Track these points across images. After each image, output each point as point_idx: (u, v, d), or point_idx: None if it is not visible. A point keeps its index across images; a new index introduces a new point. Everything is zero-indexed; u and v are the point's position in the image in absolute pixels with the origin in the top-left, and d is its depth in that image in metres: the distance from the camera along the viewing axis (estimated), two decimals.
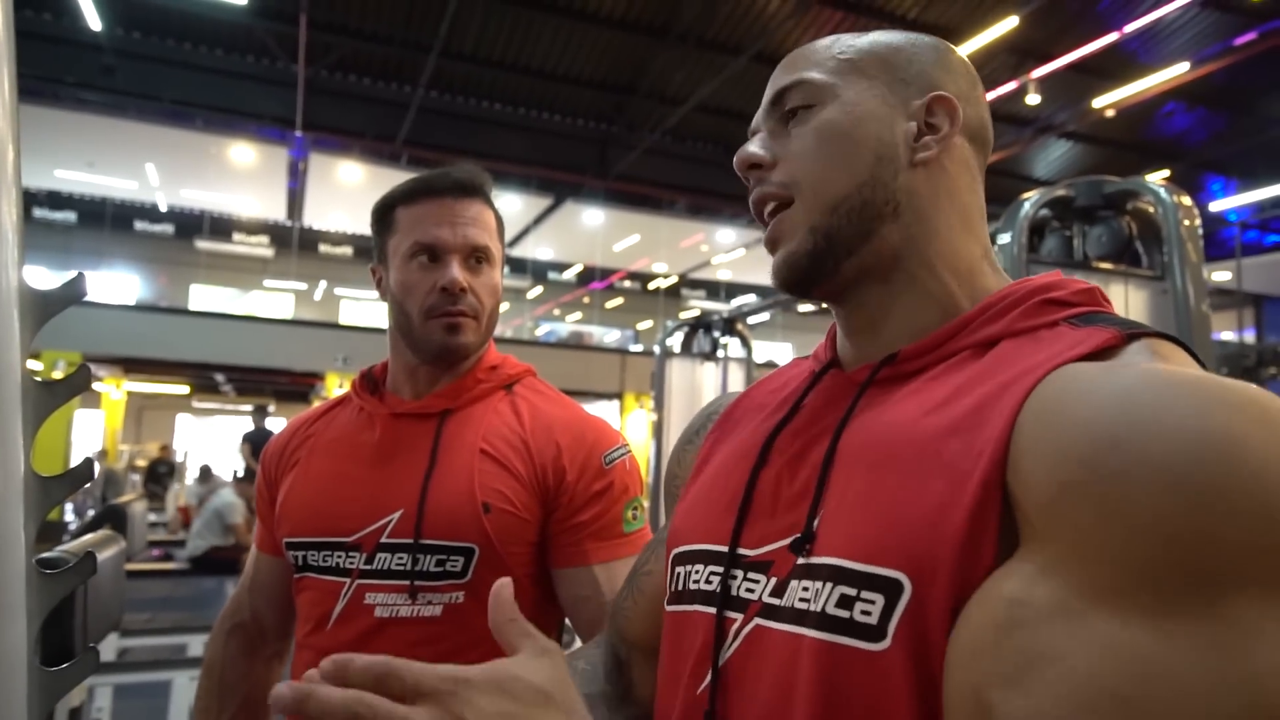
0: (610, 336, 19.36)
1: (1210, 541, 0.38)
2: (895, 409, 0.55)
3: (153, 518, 10.89)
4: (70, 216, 15.00)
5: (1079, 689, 0.39)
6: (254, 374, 13.85)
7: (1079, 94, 10.44)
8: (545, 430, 1.07)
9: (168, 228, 16.03)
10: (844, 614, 0.49)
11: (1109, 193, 2.57)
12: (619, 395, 13.70)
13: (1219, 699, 0.37)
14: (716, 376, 5.26)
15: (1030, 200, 2.55)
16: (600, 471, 1.06)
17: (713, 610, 0.58)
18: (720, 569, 0.59)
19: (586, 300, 20.00)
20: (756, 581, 0.56)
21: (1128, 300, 2.52)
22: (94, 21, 9.29)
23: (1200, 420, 0.41)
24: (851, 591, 0.49)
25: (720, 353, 5.34)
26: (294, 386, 15.06)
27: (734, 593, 0.57)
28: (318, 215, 16.08)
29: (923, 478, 0.49)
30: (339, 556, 1.03)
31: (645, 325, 20.19)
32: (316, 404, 1.24)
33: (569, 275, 19.37)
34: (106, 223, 15.13)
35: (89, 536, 1.88)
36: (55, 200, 15.05)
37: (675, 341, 5.44)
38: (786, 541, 0.55)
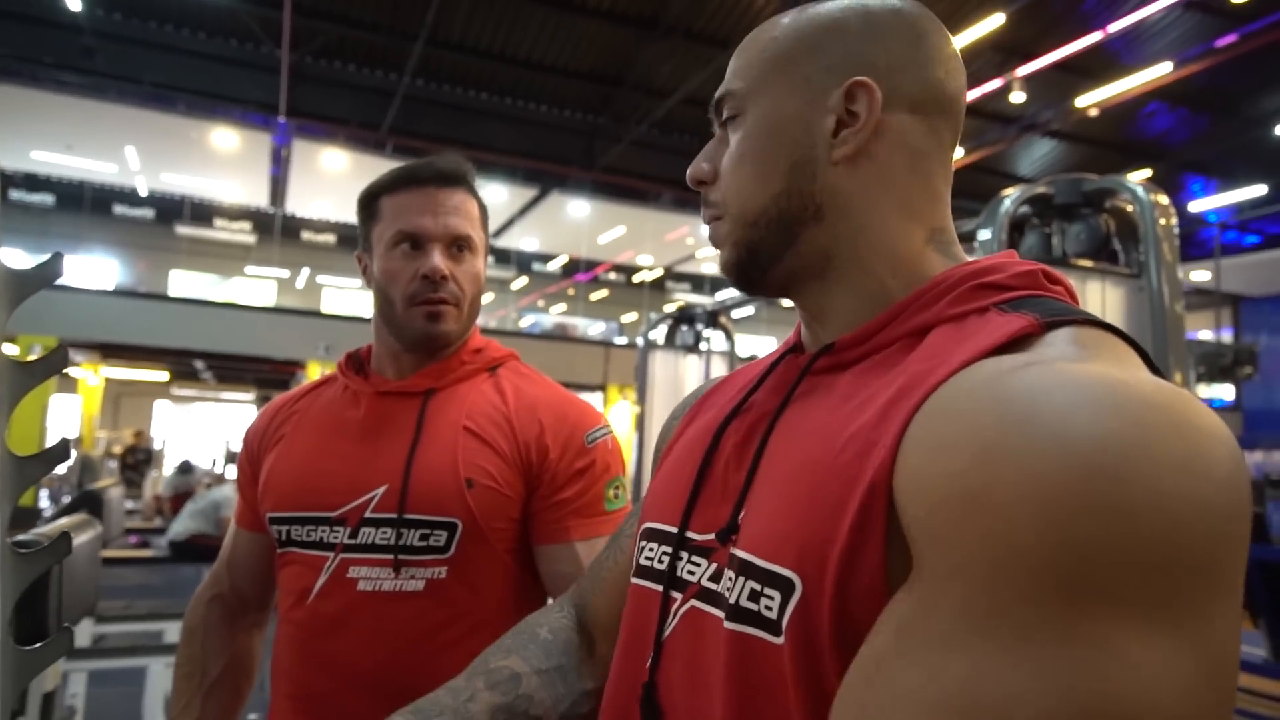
0: (595, 328, 19.35)
1: (1068, 551, 0.36)
2: (820, 404, 0.56)
3: (129, 505, 10.80)
4: (48, 199, 14.80)
5: (927, 709, 0.38)
6: (235, 361, 13.74)
7: (1063, 93, 10.52)
8: (528, 409, 1.09)
9: (148, 212, 15.85)
10: (753, 607, 0.51)
11: (1088, 190, 2.60)
12: (602, 387, 13.70)
13: (1062, 714, 0.35)
14: (699, 369, 5.28)
15: (1010, 197, 2.58)
16: (582, 450, 1.08)
17: (660, 588, 0.60)
18: (670, 549, 0.61)
19: (571, 292, 19.98)
20: (698, 565, 0.58)
21: (1105, 297, 2.56)
22: (74, 2, 9.16)
23: (1075, 428, 0.38)
24: (758, 586, 0.51)
25: (703, 346, 5.35)
26: (275, 375, 14.96)
27: (679, 573, 0.59)
28: (300, 202, 15.96)
29: (823, 479, 0.50)
30: (323, 531, 1.04)
31: (630, 318, 20.19)
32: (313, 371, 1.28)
33: (554, 266, 19.33)
34: (85, 206, 14.94)
35: (64, 520, 1.88)
36: (32, 182, 14.84)
37: (659, 334, 5.45)
38: (716, 535, 0.57)
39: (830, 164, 0.57)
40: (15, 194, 14.32)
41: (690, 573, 0.58)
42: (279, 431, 1.15)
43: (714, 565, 0.56)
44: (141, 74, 10.98)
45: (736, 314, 15.81)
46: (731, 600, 0.52)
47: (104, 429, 16.24)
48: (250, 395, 18.65)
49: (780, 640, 0.48)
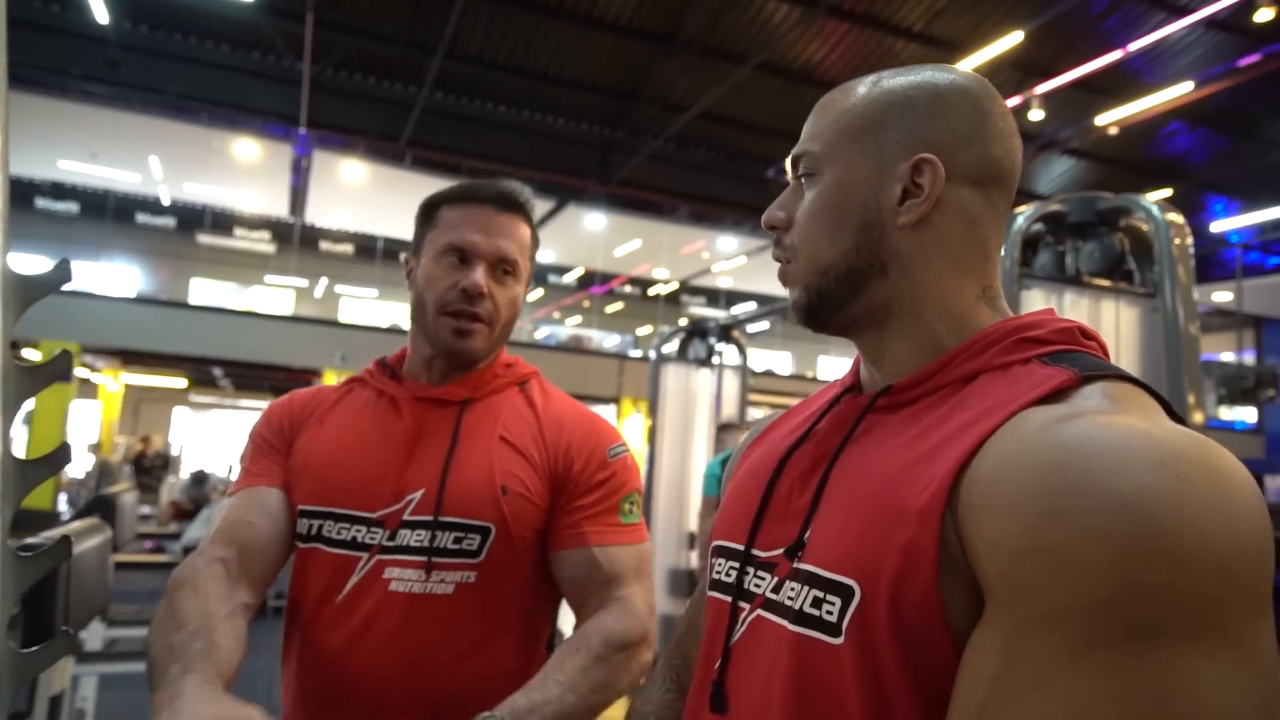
0: (610, 341, 19.35)
1: (1139, 597, 0.44)
2: (881, 439, 0.63)
3: (145, 510, 10.88)
4: (72, 207, 15.00)
5: None
6: (252, 369, 13.84)
7: (1082, 111, 10.46)
8: (557, 424, 1.14)
9: (170, 221, 16.03)
10: (815, 612, 0.59)
11: (1102, 209, 2.58)
12: (616, 400, 13.69)
13: None
14: (712, 383, 5.27)
15: (1024, 215, 2.56)
16: (604, 463, 1.13)
17: (729, 599, 0.68)
18: (737, 565, 0.69)
19: (586, 304, 20.01)
20: (763, 578, 0.65)
21: (1119, 317, 2.53)
22: (101, 14, 9.30)
23: (1128, 485, 0.46)
24: (820, 594, 0.59)
25: (716, 360, 5.34)
26: (292, 383, 15.05)
27: (746, 586, 0.67)
28: (320, 213, 16.09)
29: (882, 504, 0.57)
30: (358, 530, 1.05)
31: (645, 331, 20.20)
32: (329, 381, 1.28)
33: (569, 279, 19.37)
34: (108, 214, 15.14)
35: (74, 524, 1.89)
36: (58, 191, 15.06)
37: (672, 348, 5.45)
38: (784, 551, 0.65)
39: (896, 228, 0.65)
40: (41, 202, 14.53)
41: (756, 585, 0.66)
42: (312, 419, 1.16)
43: (776, 579, 0.64)
44: (165, 85, 11.13)
45: (750, 329, 15.72)
46: (796, 607, 0.60)
47: (123, 435, 16.39)
48: (267, 403, 18.73)
49: (839, 640, 0.56)
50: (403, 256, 1.21)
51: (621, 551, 1.11)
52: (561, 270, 19.16)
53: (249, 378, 15.67)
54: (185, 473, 11.47)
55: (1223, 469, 0.47)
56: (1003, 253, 2.62)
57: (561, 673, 0.98)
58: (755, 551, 0.68)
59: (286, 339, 12.31)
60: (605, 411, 14.32)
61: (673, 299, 19.81)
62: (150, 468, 11.80)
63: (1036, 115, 9.87)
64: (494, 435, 1.10)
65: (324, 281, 18.14)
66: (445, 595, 1.03)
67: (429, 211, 1.16)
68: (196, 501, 8.90)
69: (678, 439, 5.15)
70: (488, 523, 1.04)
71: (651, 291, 19.84)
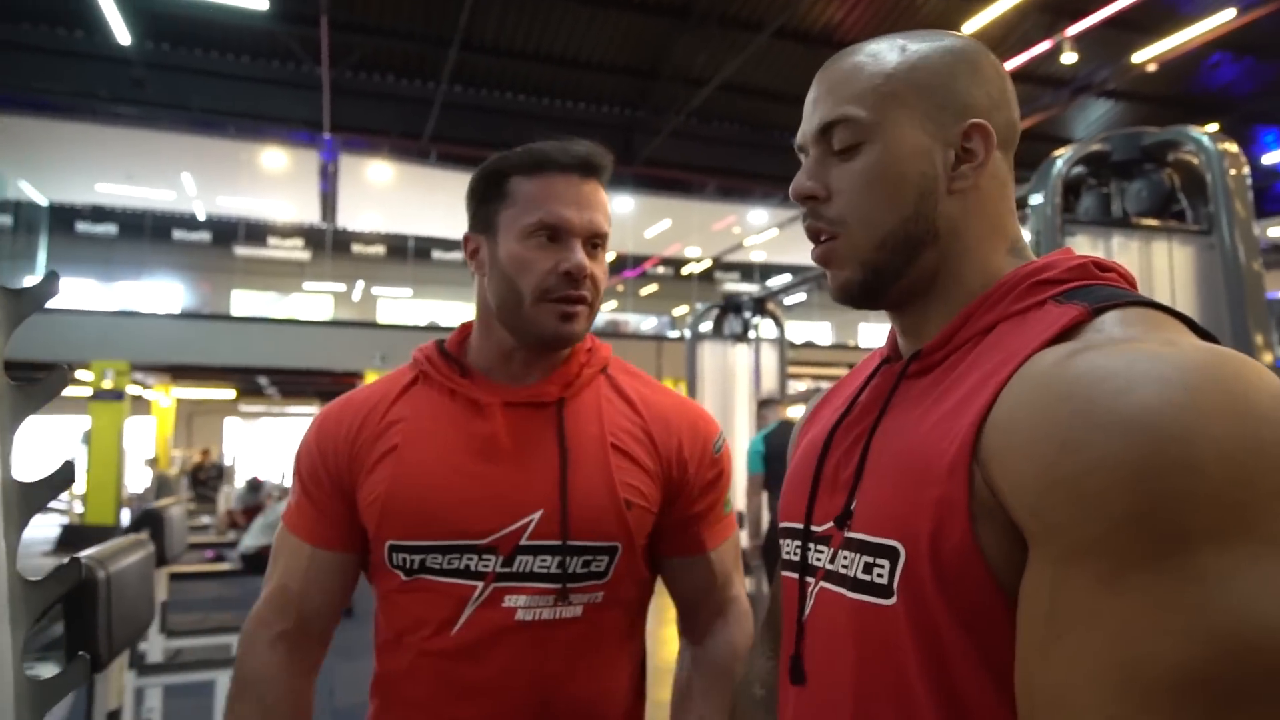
0: (647, 324, 19.30)
1: (1160, 512, 0.44)
2: (912, 403, 0.65)
3: (205, 520, 11.17)
4: (112, 229, 15.32)
5: (1110, 685, 0.45)
6: (296, 376, 14.06)
7: (1117, 49, 10.09)
8: (663, 422, 1.06)
9: (205, 235, 16.31)
10: (867, 577, 0.61)
11: (1147, 145, 2.44)
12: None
13: (1204, 645, 0.42)
14: (749, 358, 5.18)
15: (1063, 158, 2.44)
16: (713, 461, 1.08)
17: (796, 576, 0.71)
18: (800, 542, 0.71)
19: (621, 288, 19.96)
20: (822, 551, 0.68)
21: (1172, 258, 2.40)
22: (122, 35, 9.44)
23: (1134, 406, 0.46)
24: (870, 559, 0.61)
25: (751, 334, 5.26)
26: (335, 386, 15.27)
27: (809, 561, 0.69)
28: (351, 216, 16.24)
29: (913, 463, 0.59)
30: (469, 559, 0.96)
31: (681, 311, 20.10)
32: (371, 381, 1.12)
33: None
34: (146, 233, 15.44)
35: (116, 541, 1.89)
36: (98, 214, 15.39)
37: (706, 325, 5.37)
38: (834, 521, 0.67)
39: (947, 193, 0.65)
40: (82, 226, 14.86)
41: (817, 559, 0.68)
42: (382, 444, 1.02)
43: (832, 550, 0.66)
44: (190, 101, 11.29)
45: (787, 301, 15.55)
46: (851, 574, 0.63)
47: (179, 448, 16.80)
48: (313, 408, 19.09)
49: (891, 601, 0.58)
50: (463, 235, 1.07)
51: (727, 547, 1.09)
52: None
53: (294, 384, 15.93)
54: (240, 481, 11.71)
55: (1239, 374, 0.47)
56: (1041, 199, 2.51)
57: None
58: (813, 527, 0.70)
59: (327, 343, 12.46)
60: None
61: (706, 277, 19.66)
62: (206, 479, 12.08)
63: (1069, 58, 9.55)
64: (604, 441, 1.01)
65: (360, 284, 18.35)
66: (575, 618, 0.97)
67: (496, 183, 1.01)
68: (252, 509, 9.08)
69: (718, 416, 5.08)
70: (615, 542, 0.98)
71: (685, 271, 19.72)
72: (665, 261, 19.22)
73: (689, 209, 15.78)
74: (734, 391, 5.16)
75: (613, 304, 20.56)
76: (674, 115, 11.56)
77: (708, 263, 19.52)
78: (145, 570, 1.96)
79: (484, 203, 1.02)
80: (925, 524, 0.56)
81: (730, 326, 5.31)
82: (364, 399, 1.07)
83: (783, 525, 0.77)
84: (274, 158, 13.27)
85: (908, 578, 0.57)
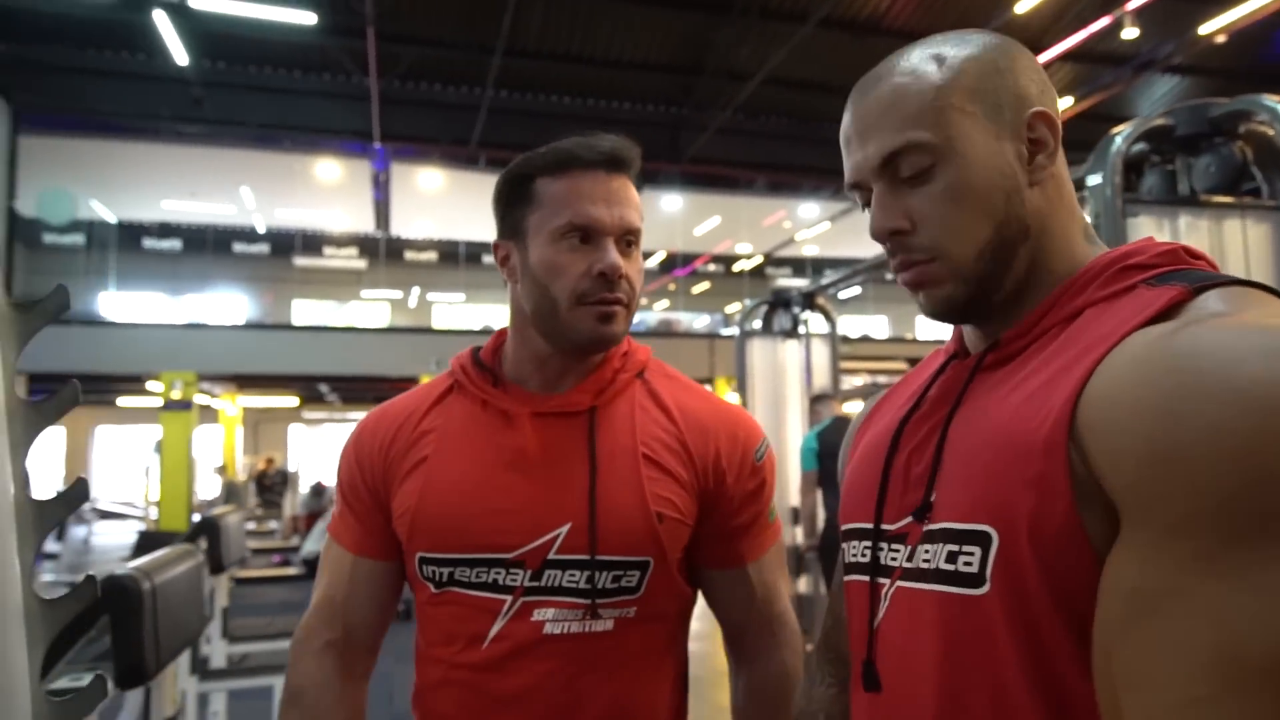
0: (700, 322, 19.20)
1: (1267, 488, 0.42)
2: (992, 391, 0.63)
3: (272, 525, 11.46)
4: (176, 244, 15.84)
5: (1197, 664, 0.43)
6: (356, 383, 14.35)
7: (1182, 21, 9.67)
8: (700, 429, 1.01)
9: (264, 248, 16.75)
10: (951, 567, 0.59)
11: (1215, 117, 2.30)
12: (710, 380, 13.58)
13: None
14: (800, 354, 5.09)
15: (1122, 134, 2.31)
16: (754, 470, 1.03)
17: (867, 579, 0.68)
18: (869, 543, 0.69)
19: (672, 287, 19.91)
20: (897, 550, 0.65)
21: (1246, 236, 2.25)
22: (181, 57, 9.73)
23: (1242, 378, 0.45)
24: (956, 547, 0.59)
25: (801, 329, 5.16)
26: (393, 392, 15.48)
27: (882, 562, 0.67)
28: (404, 224, 16.51)
29: (1003, 445, 0.57)
30: (497, 573, 0.95)
31: (734, 308, 19.96)
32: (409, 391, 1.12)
33: (652, 264, 19.30)
34: (208, 247, 15.92)
35: (162, 552, 1.91)
36: (164, 230, 15.92)
37: (756, 321, 5.29)
38: (913, 515, 0.65)
39: (1029, 187, 0.65)
40: (148, 242, 15.39)
41: (892, 559, 0.66)
42: (413, 454, 1.01)
43: (909, 547, 0.64)
44: (246, 117, 11.59)
45: (842, 294, 15.32)
46: (933, 566, 0.61)
47: (247, 455, 17.29)
48: None
49: (983, 590, 0.56)
50: (493, 242, 1.05)
51: (770, 558, 1.05)
52: (644, 255, 19.09)
53: (354, 390, 16.26)
54: (304, 487, 11.99)
55: None
56: (1100, 179, 2.38)
57: None
58: (884, 526, 0.68)
59: (384, 350, 12.68)
60: None
61: (758, 273, 19.48)
62: (271, 485, 12.39)
63: (1130, 34, 9.19)
64: (635, 452, 0.98)
65: (416, 291, 18.65)
66: (606, 632, 0.95)
67: (522, 186, 0.98)
68: (315, 513, 9.27)
69: (769, 414, 5.00)
70: (646, 557, 0.95)
71: (736, 268, 19.58)
72: (716, 259, 19.10)
73: (738, 205, 15.64)
74: (785, 388, 5.07)
75: (664, 303, 20.54)
76: (719, 111, 11.46)
77: (759, 259, 19.34)
78: (194, 579, 1.97)
79: (511, 207, 1.00)
80: (1023, 504, 0.54)
81: (779, 322, 5.22)
82: (399, 409, 1.06)
83: (847, 527, 0.74)
84: (328, 169, 13.56)
85: (1003, 563, 0.55)
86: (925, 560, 0.62)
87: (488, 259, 16.97)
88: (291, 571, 8.44)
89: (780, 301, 5.21)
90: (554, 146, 0.97)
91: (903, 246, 0.67)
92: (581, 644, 0.94)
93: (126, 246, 14.64)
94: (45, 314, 0.88)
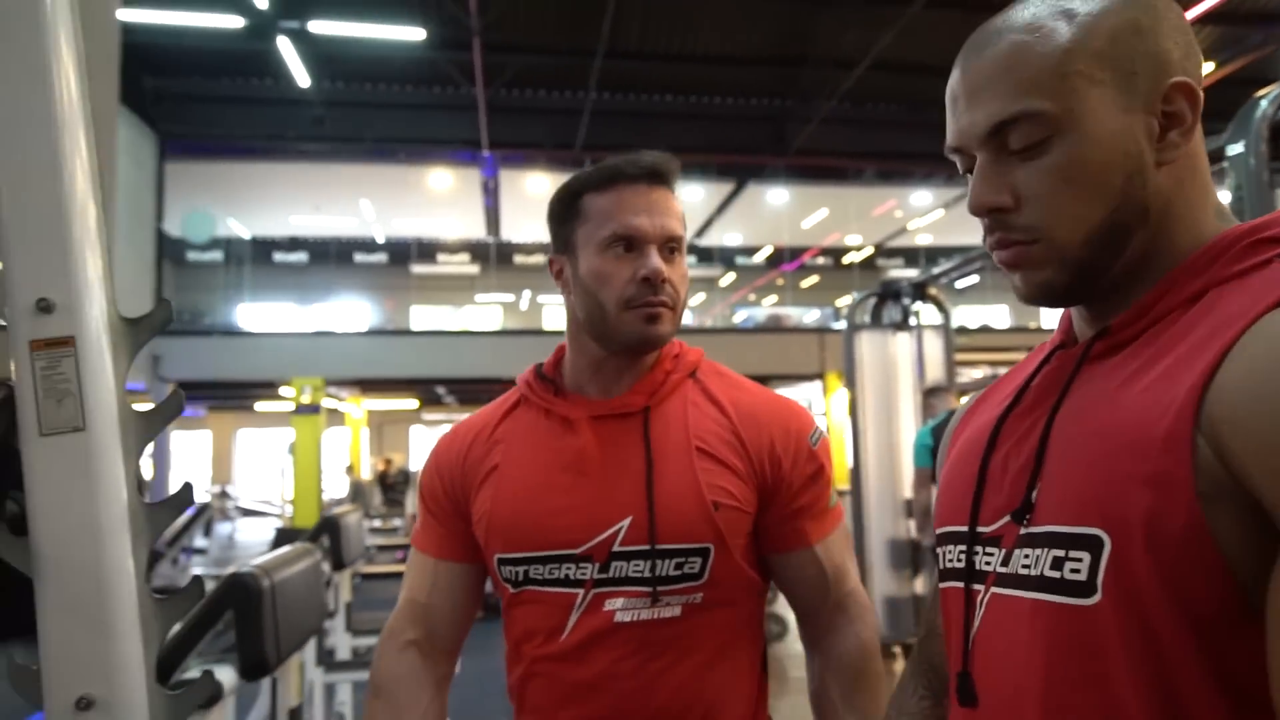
0: (810, 316, 18.88)
1: None
2: (1102, 382, 0.57)
3: (396, 523, 11.96)
4: (303, 257, 16.76)
5: None
6: (470, 385, 14.80)
7: None
8: (753, 421, 1.07)
9: (382, 257, 17.50)
10: (1057, 574, 0.54)
11: None
12: (820, 375, 13.30)
13: None
14: (911, 347, 4.90)
15: (1268, 97, 2.10)
16: (810, 455, 1.08)
17: (962, 585, 0.64)
18: (964, 547, 0.64)
19: (781, 282, 19.65)
20: (992, 554, 0.61)
21: None
22: (302, 79, 10.28)
23: None
24: (1061, 553, 0.53)
25: (913, 321, 4.97)
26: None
27: (977, 566, 0.62)
28: (513, 229, 16.93)
29: (1116, 440, 0.52)
30: (568, 568, 1.01)
31: (845, 301, 19.51)
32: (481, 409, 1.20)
33: (759, 259, 19.10)
34: (331, 258, 16.77)
35: (282, 551, 2.00)
36: (292, 244, 16.87)
37: (864, 314, 5.14)
38: (1010, 515, 0.59)
39: (1155, 167, 0.58)
40: (278, 255, 16.35)
41: (987, 563, 0.61)
42: (486, 463, 1.09)
43: (1005, 550, 0.59)
44: (364, 133, 12.15)
45: (959, 284, 14.71)
46: (1035, 573, 0.55)
47: (373, 456, 18.13)
48: None
49: (1094, 600, 0.51)
50: (548, 258, 1.13)
51: (835, 539, 1.09)
52: (750, 251, 18.92)
53: (469, 392, 16.77)
54: None
55: None
56: (1242, 148, 2.17)
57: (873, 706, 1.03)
58: (980, 528, 0.63)
59: (496, 352, 13.01)
60: (810, 389, 13.97)
61: (869, 265, 18.97)
62: (394, 484, 12.94)
63: None
64: (688, 446, 1.03)
65: (527, 294, 19.08)
66: (674, 618, 1.00)
67: (571, 203, 1.07)
68: None
69: (881, 408, 4.84)
70: (706, 544, 1.00)
71: (845, 260, 19.13)
72: (825, 251, 18.72)
73: (846, 196, 15.27)
74: (896, 382, 4.89)
75: (772, 298, 20.29)
76: (825, 101, 11.21)
77: (869, 250, 18.83)
78: (312, 577, 2.06)
79: (562, 224, 1.08)
80: (1139, 506, 0.49)
81: (889, 314, 5.05)
82: (472, 424, 1.15)
83: (941, 531, 0.69)
84: (440, 178, 14.05)
85: (1116, 571, 0.50)
86: (1025, 566, 0.57)
87: None
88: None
89: (889, 293, 5.03)
90: (600, 164, 1.06)
91: (1003, 224, 0.61)
92: (652, 630, 0.99)
93: (259, 260, 15.61)
94: (152, 327, 0.92)
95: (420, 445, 21.07)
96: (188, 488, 0.91)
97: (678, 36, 10.37)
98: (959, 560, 0.65)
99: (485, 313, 18.60)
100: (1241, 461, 0.46)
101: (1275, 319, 0.48)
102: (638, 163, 1.03)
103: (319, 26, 9.42)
